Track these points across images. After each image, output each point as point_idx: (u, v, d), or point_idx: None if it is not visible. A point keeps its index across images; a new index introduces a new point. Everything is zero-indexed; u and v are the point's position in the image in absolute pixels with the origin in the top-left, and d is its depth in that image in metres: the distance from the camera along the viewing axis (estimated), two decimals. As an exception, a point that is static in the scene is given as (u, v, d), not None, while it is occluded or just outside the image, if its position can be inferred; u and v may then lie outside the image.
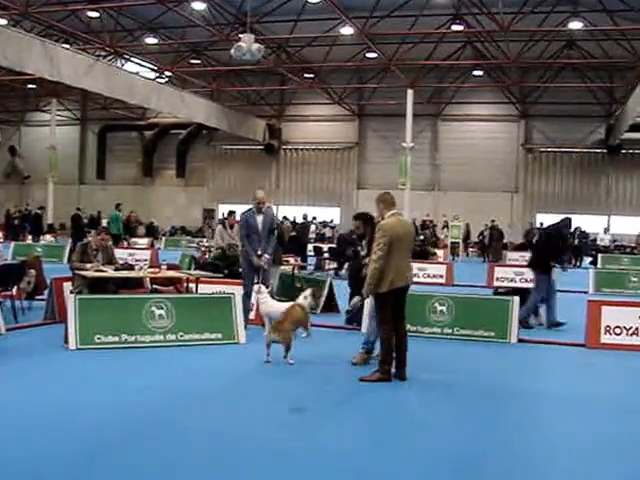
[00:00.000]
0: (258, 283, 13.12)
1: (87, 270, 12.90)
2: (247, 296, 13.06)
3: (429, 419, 8.08)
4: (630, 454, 7.08)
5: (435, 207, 46.77)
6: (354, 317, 13.65)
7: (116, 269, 13.31)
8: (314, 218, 43.86)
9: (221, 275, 14.86)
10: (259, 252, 13.37)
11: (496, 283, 24.39)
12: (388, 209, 9.85)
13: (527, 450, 7.07)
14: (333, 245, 29.95)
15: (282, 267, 17.03)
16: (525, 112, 47.59)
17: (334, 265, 27.33)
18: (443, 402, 8.85)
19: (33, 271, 14.79)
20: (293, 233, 26.41)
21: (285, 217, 36.60)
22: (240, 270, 14.30)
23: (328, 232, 45.34)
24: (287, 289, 16.47)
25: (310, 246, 30.81)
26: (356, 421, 7.85)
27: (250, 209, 13.79)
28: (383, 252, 9.46)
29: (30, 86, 49.00)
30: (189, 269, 18.16)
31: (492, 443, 7.23)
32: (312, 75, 45.74)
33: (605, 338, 12.67)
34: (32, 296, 14.89)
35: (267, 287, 13.05)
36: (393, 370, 9.68)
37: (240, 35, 30.17)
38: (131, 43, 40.04)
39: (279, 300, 13.89)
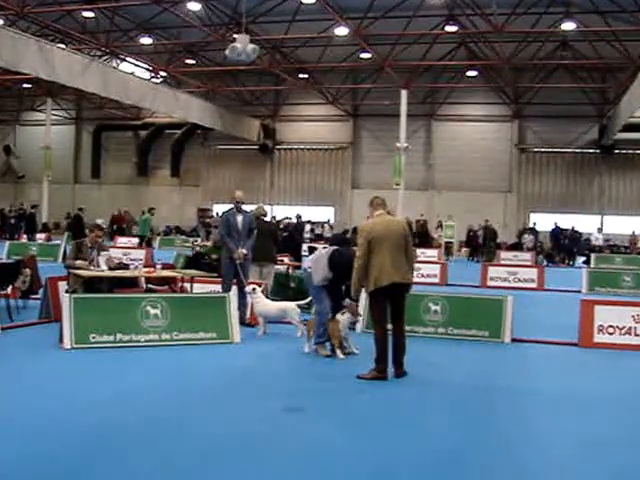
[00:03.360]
0: (238, 279, 13.48)
1: (77, 266, 12.96)
2: (226, 292, 13.17)
3: (423, 418, 8.13)
4: (622, 451, 7.13)
5: (429, 207, 46.81)
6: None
7: (111, 268, 13.36)
8: (310, 223, 43.99)
9: (215, 274, 14.92)
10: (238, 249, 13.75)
11: (490, 283, 24.52)
12: (376, 210, 10.09)
13: (520, 447, 7.13)
14: (327, 245, 29.94)
15: (276, 267, 17.06)
16: (518, 112, 47.65)
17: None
18: (437, 401, 8.89)
19: (28, 270, 14.81)
20: (285, 233, 26.50)
21: (279, 218, 36.63)
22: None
23: (327, 231, 45.38)
24: (281, 289, 16.53)
25: (305, 246, 30.85)
26: (351, 419, 7.89)
27: (231, 209, 14.18)
28: (360, 252, 9.74)
29: (25, 85, 48.99)
30: (183, 269, 18.22)
31: (485, 441, 7.29)
32: (306, 75, 45.76)
33: (598, 337, 12.73)
34: (27, 295, 14.92)
35: (246, 284, 13.50)
36: (392, 369, 9.80)
37: (235, 35, 30.24)
38: (126, 43, 40.01)
39: (273, 300, 14.02)
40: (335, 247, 11.57)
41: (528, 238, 39.19)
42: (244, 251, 13.87)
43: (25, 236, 37.78)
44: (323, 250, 11.78)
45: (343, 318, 10.90)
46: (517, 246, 39.35)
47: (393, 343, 9.86)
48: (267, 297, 13.77)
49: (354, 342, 11.32)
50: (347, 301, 10.58)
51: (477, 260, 37.53)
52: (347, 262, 10.50)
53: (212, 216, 46.61)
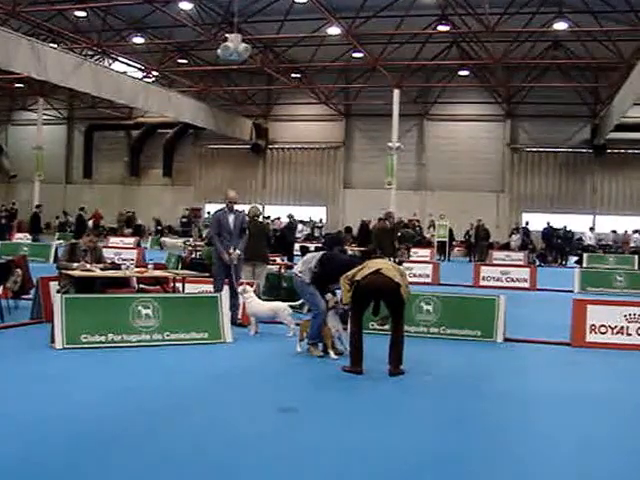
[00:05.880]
0: (230, 279, 13.44)
1: (74, 270, 12.91)
2: (217, 291, 13.13)
3: (416, 417, 8.12)
4: (615, 452, 7.14)
5: (421, 207, 46.81)
6: (342, 316, 13.67)
7: (103, 269, 13.32)
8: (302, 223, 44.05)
9: (207, 274, 14.89)
10: (230, 249, 13.66)
11: (482, 283, 24.52)
12: None
13: (511, 448, 7.14)
14: (319, 245, 29.94)
15: (269, 267, 17.05)
16: (511, 112, 47.69)
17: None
18: (430, 400, 8.90)
19: (19, 270, 14.75)
20: (278, 233, 26.50)
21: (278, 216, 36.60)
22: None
23: (317, 233, 45.41)
24: (273, 289, 16.52)
25: (297, 245, 30.82)
26: (343, 420, 7.87)
27: (222, 208, 14.12)
28: (352, 270, 10.22)
29: (17, 85, 48.85)
30: (175, 269, 18.20)
31: (477, 441, 7.28)
32: (299, 75, 45.77)
33: (590, 337, 12.74)
34: (18, 295, 14.85)
35: (237, 284, 13.48)
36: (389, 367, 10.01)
37: (227, 35, 30.17)
38: (118, 43, 39.99)
39: (266, 299, 14.01)
40: (324, 252, 11.66)
41: (514, 238, 39.36)
42: (238, 252, 13.85)
43: (29, 235, 37.51)
44: (313, 254, 11.84)
45: (330, 317, 10.94)
46: (509, 246, 39.47)
47: (389, 343, 10.13)
48: (259, 297, 13.76)
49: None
50: (328, 295, 10.96)
51: (470, 260, 37.57)
52: (335, 268, 10.65)
53: (188, 215, 46.77)
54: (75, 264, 13.12)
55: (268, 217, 39.32)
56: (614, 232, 43.29)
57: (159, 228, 46.22)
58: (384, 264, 10.25)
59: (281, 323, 12.92)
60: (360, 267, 10.20)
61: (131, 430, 7.21)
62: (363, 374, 9.87)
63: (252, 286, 13.56)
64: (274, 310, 12.95)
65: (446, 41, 39.96)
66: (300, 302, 13.00)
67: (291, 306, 12.98)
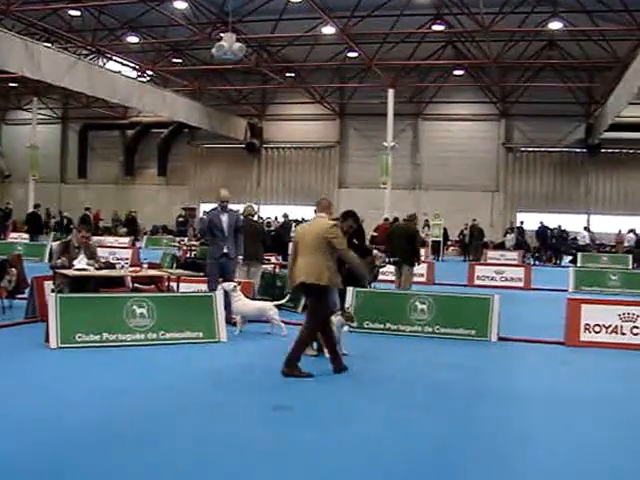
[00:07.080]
0: (224, 278, 13.45)
1: (67, 268, 12.89)
2: (212, 291, 13.15)
3: (410, 417, 8.10)
4: (606, 452, 7.15)
5: (416, 206, 46.71)
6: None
7: (98, 268, 13.29)
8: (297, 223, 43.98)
9: (202, 274, 14.88)
10: (225, 250, 13.65)
11: (477, 282, 24.55)
12: (319, 212, 10.52)
13: (505, 448, 7.16)
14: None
15: (264, 266, 17.04)
16: (505, 111, 47.70)
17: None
18: (424, 400, 8.89)
19: (14, 270, 14.73)
20: (273, 232, 26.48)
21: (274, 216, 36.51)
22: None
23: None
24: (269, 287, 16.54)
25: (291, 245, 30.78)
26: (338, 419, 7.89)
27: (214, 208, 14.09)
28: (291, 252, 10.48)
29: (11, 84, 48.78)
30: (170, 268, 18.20)
31: (470, 441, 7.29)
32: (293, 74, 45.73)
33: (584, 336, 12.78)
34: (13, 295, 14.84)
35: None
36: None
37: (221, 34, 30.20)
38: (113, 42, 39.95)
39: (261, 299, 14.03)
40: None
41: (509, 237, 39.42)
42: (240, 257, 14.00)
43: (25, 235, 37.39)
44: None
45: (335, 319, 10.90)
46: (503, 245, 39.55)
47: None
48: (254, 296, 13.80)
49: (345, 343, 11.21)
50: (347, 306, 10.78)
51: (464, 259, 37.63)
52: None
53: (185, 214, 46.56)
54: (59, 260, 13.11)
55: (263, 218, 39.28)
56: (587, 229, 43.29)
57: (65, 223, 45.12)
58: (311, 230, 10.20)
59: (267, 321, 12.99)
60: (294, 250, 10.33)
61: (127, 430, 7.20)
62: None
63: (239, 285, 13.60)
64: (260, 309, 13.03)
65: (441, 41, 39.97)
66: (286, 299, 13.14)
67: (282, 304, 13.07)
